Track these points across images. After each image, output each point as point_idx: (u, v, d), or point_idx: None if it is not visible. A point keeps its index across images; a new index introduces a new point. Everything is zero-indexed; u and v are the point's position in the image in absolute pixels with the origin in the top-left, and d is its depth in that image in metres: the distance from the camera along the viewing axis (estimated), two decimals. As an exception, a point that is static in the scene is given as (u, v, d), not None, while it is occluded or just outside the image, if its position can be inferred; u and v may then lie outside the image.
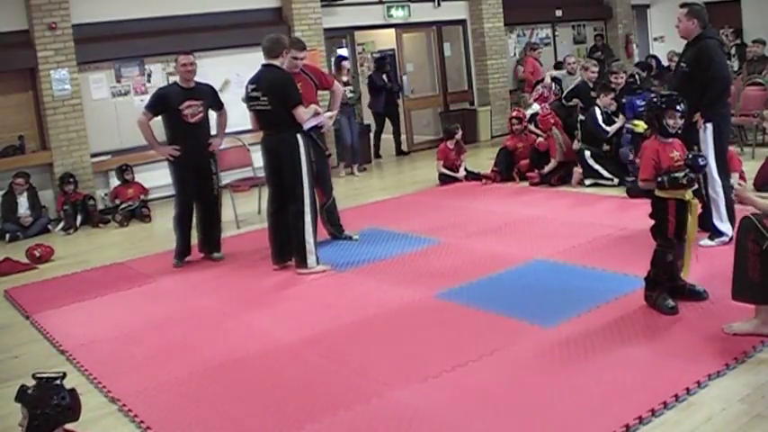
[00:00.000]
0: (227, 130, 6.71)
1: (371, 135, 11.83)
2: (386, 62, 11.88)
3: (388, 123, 11.89)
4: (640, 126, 7.35)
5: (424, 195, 8.59)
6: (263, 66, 5.79)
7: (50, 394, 2.84)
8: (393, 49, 12.79)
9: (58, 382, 2.89)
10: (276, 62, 5.73)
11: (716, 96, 5.28)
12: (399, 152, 12.03)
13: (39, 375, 2.92)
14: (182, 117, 6.19)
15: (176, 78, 6.49)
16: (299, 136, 5.71)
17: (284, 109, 5.63)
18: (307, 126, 5.77)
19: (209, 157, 6.42)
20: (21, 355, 4.76)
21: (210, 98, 6.43)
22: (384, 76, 11.61)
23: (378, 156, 11.89)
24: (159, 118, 6.33)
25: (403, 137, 12.17)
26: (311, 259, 5.76)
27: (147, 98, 8.43)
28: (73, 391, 2.92)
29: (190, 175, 6.30)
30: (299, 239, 5.74)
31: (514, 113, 9.26)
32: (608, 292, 4.61)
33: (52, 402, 2.82)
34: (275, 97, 5.63)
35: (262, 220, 7.39)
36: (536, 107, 9.75)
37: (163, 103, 6.24)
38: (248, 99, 5.83)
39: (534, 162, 8.56)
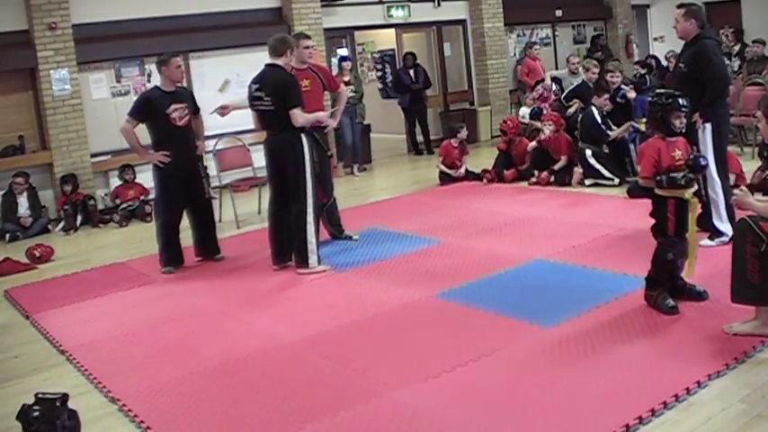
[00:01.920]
0: (226, 131, 6.69)
1: (405, 132, 11.83)
2: (412, 58, 11.72)
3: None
4: None
5: (424, 195, 8.59)
6: (267, 65, 5.77)
7: (45, 414, 2.81)
8: (393, 49, 12.78)
9: (57, 403, 2.86)
10: (279, 61, 5.71)
11: (715, 96, 5.28)
12: (418, 151, 11.87)
13: (39, 395, 2.90)
14: (169, 121, 6.05)
15: (158, 82, 6.23)
16: (302, 136, 5.71)
17: (286, 109, 5.62)
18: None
19: (198, 160, 6.36)
20: (21, 355, 4.76)
21: (191, 102, 6.31)
22: (411, 72, 11.57)
23: (419, 152, 11.79)
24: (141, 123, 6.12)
25: (419, 138, 12.01)
26: (313, 259, 5.76)
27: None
28: (73, 411, 2.89)
29: (178, 181, 6.16)
30: (300, 239, 5.73)
31: (501, 125, 9.15)
32: (608, 292, 4.61)
33: (47, 422, 2.79)
34: (278, 97, 5.62)
35: (262, 220, 7.39)
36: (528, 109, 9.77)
37: (149, 109, 6.07)
38: (251, 99, 5.82)
39: (537, 163, 8.53)
